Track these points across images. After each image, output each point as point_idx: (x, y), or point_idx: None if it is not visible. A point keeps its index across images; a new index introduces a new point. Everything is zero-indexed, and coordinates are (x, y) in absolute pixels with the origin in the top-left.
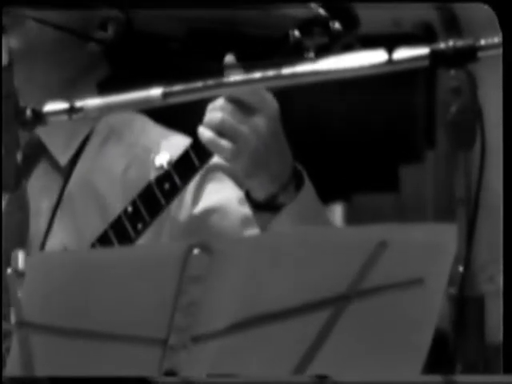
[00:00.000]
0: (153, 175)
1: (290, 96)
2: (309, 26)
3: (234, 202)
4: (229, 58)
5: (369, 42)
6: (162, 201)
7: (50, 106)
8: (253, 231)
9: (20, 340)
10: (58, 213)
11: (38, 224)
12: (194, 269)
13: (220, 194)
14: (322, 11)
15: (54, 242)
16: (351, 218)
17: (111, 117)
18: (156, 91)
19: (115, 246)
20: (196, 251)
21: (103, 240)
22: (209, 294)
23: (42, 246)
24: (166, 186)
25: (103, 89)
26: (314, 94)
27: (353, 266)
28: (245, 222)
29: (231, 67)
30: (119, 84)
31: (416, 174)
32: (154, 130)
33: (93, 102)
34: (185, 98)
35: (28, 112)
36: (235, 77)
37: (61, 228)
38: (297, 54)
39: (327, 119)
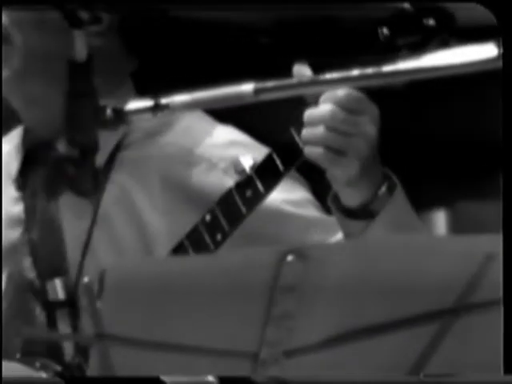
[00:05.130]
0: (192, 175)
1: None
2: (399, 22)
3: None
4: (299, 67)
5: (464, 37)
6: (243, 209)
7: (133, 104)
8: (320, 236)
9: (100, 353)
10: (95, 230)
11: (74, 242)
12: (287, 277)
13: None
14: (410, 8)
15: (93, 262)
16: (454, 226)
17: (146, 120)
18: (247, 87)
19: None
20: (290, 258)
21: (178, 252)
22: (303, 305)
23: (80, 267)
24: (248, 192)
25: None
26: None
27: (459, 278)
28: (308, 227)
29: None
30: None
31: None
32: (198, 126)
33: (180, 98)
34: (277, 94)
35: (108, 111)
36: (332, 74)
37: (99, 247)
38: (388, 52)
39: (432, 124)
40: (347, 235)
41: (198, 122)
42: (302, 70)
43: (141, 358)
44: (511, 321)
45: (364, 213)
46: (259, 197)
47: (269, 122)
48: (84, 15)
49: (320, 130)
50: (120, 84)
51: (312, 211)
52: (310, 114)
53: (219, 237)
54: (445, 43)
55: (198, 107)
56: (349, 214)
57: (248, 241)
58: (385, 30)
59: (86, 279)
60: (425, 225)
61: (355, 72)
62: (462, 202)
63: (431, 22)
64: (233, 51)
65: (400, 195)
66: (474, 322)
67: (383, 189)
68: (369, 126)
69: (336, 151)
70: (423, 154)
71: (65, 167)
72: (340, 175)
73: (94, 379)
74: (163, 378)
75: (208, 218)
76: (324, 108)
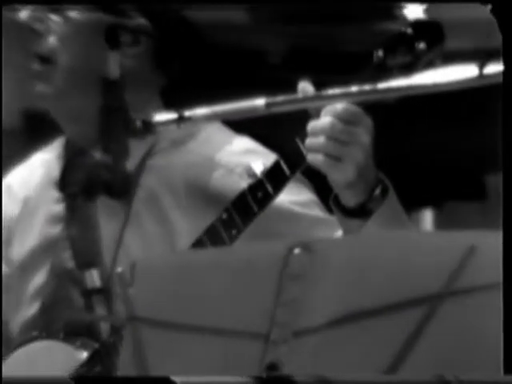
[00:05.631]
0: (212, 179)
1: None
2: (394, 45)
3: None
4: (303, 85)
5: (449, 57)
6: (255, 208)
7: (160, 117)
8: (323, 233)
9: (131, 333)
10: (127, 227)
11: (108, 238)
12: (294, 267)
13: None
14: (409, 29)
15: (125, 255)
16: (441, 224)
17: (173, 130)
18: (260, 101)
19: None
20: (297, 251)
21: (198, 246)
22: (308, 291)
23: (114, 259)
24: (259, 194)
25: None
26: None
27: (444, 268)
28: (313, 225)
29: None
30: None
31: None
32: (217, 136)
33: (201, 111)
34: (285, 108)
35: (138, 123)
36: (333, 90)
37: (130, 242)
38: (379, 73)
39: (422, 132)
40: (346, 232)
41: (217, 132)
42: (305, 87)
43: (166, 337)
44: (511, 321)
45: (360, 212)
46: (269, 197)
47: (277, 133)
48: (124, 38)
49: (321, 140)
50: (149, 99)
51: (316, 211)
52: (312, 125)
53: (234, 232)
54: (432, 64)
55: (216, 119)
56: (347, 213)
57: (260, 237)
58: (380, 53)
59: (118, 269)
60: (413, 222)
61: (353, 88)
62: (447, 203)
63: (422, 45)
64: (247, 70)
65: (392, 197)
66: (458, 306)
67: (377, 191)
68: (364, 136)
69: (335, 158)
70: (413, 160)
71: (100, 172)
72: (338, 179)
73: (103, 378)
74: (173, 377)
75: (224, 216)
76: (325, 120)
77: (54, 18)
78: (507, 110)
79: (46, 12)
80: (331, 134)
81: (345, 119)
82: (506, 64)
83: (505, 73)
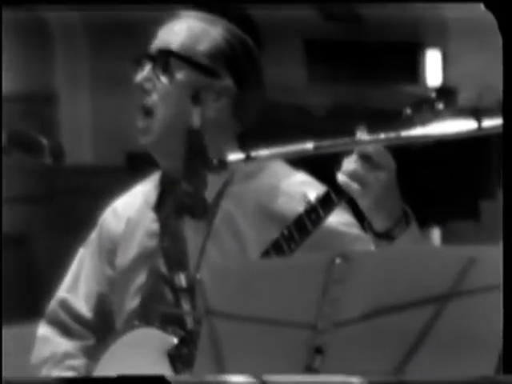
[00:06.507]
0: (277, 204)
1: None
2: (420, 105)
3: (342, 225)
4: (360, 131)
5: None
6: (310, 227)
7: (232, 156)
8: (361, 247)
9: (208, 323)
10: (208, 241)
11: (193, 249)
12: (336, 273)
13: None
14: (433, 93)
15: (206, 262)
16: (446, 239)
17: (243, 166)
18: (309, 145)
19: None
20: (338, 260)
21: (264, 256)
22: (347, 291)
23: (197, 266)
24: (313, 216)
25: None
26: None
27: (450, 275)
28: (353, 241)
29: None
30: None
31: (492, 207)
32: (281, 170)
33: (263, 152)
34: (329, 150)
35: (215, 161)
36: (366, 136)
37: (210, 252)
38: (405, 125)
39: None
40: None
41: (280, 168)
42: (361, 133)
43: (235, 326)
44: (511, 321)
45: (387, 236)
46: (320, 219)
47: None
48: (208, 96)
49: (350, 166)
50: (226, 142)
51: (356, 230)
52: (348, 157)
53: (293, 246)
54: (444, 118)
55: (275, 158)
56: (377, 235)
57: (313, 249)
58: (408, 110)
59: (198, 275)
60: (426, 238)
61: (382, 135)
62: (452, 222)
63: (440, 105)
64: (298, 121)
65: (414, 226)
66: (463, 305)
67: (402, 220)
68: (383, 173)
69: (358, 190)
70: (427, 191)
71: (185, 199)
72: (362, 204)
73: (96, 379)
74: (167, 377)
75: (285, 232)
76: (355, 160)
77: (163, 78)
78: (507, 110)
79: (157, 72)
80: (360, 165)
81: (372, 159)
82: (506, 64)
83: (505, 74)
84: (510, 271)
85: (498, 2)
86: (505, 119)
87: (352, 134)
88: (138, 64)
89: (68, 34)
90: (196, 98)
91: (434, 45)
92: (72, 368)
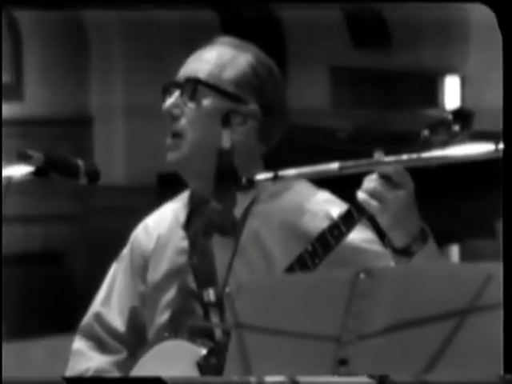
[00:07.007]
0: (301, 221)
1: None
2: (437, 127)
3: (365, 242)
4: (378, 153)
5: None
6: (333, 243)
7: (260, 176)
8: (382, 263)
9: (237, 335)
10: (235, 258)
11: (221, 265)
12: (360, 288)
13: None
14: (449, 115)
15: (234, 278)
16: (465, 256)
17: (270, 185)
18: (334, 165)
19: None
20: (362, 275)
21: (290, 271)
22: (370, 305)
23: (225, 281)
24: (335, 232)
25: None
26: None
27: (468, 291)
28: (375, 257)
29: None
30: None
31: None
32: (305, 190)
33: (290, 172)
34: (354, 170)
35: (243, 180)
36: (387, 158)
37: (237, 268)
38: (424, 146)
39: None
40: (397, 264)
41: (304, 187)
42: (379, 155)
43: (262, 338)
44: (511, 322)
45: (405, 252)
46: (342, 235)
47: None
48: (236, 120)
49: (370, 184)
50: (253, 162)
51: (377, 247)
52: (369, 176)
53: (317, 261)
54: (462, 141)
55: (302, 178)
56: (396, 251)
57: (336, 265)
58: (425, 132)
59: (227, 290)
60: (445, 255)
61: (404, 157)
62: (470, 240)
63: (457, 127)
64: (323, 142)
65: (431, 243)
66: (482, 320)
67: (420, 237)
68: (401, 192)
69: (377, 208)
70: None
71: (214, 217)
72: (381, 222)
73: (97, 379)
74: (164, 378)
75: (309, 248)
76: (375, 179)
77: (191, 105)
78: (507, 110)
79: (185, 99)
80: (377, 192)
81: (392, 178)
82: (505, 64)
83: (505, 74)
84: (509, 269)
85: (498, 2)
86: (505, 119)
87: (370, 155)
88: (167, 91)
89: (104, 56)
90: (226, 120)
91: (453, 70)
92: None
